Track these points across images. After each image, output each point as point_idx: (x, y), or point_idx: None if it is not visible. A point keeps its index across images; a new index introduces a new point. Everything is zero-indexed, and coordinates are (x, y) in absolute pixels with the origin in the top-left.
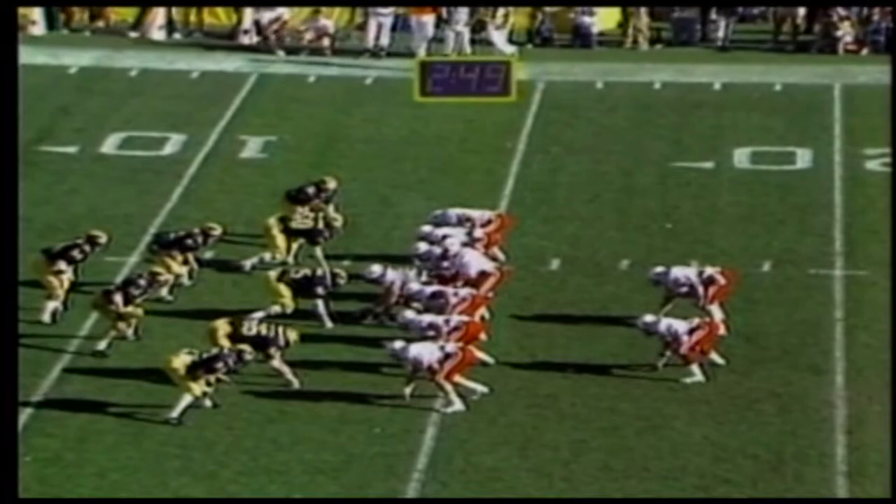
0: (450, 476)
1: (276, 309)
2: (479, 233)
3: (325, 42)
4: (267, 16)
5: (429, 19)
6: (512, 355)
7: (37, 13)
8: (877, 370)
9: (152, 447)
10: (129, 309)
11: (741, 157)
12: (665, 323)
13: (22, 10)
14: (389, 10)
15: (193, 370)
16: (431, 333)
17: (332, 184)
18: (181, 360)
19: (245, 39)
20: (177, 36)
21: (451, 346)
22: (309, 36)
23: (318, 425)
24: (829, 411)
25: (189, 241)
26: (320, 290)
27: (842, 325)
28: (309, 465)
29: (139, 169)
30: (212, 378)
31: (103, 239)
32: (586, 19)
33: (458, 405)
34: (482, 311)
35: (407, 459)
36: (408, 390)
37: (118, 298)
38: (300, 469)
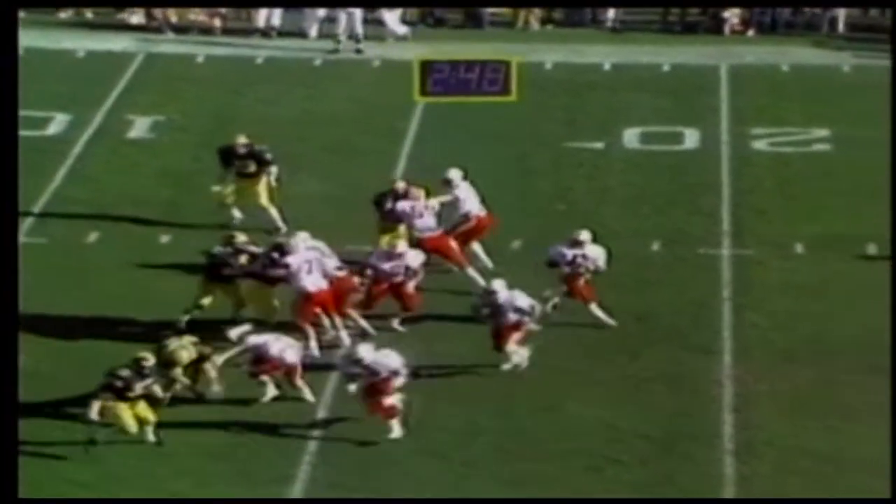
0: (342, 458)
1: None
2: None
3: (217, 22)
4: None
5: None
6: (406, 336)
7: None
8: (764, 349)
9: (31, 429)
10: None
11: (631, 137)
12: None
13: None
14: None
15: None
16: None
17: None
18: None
19: (133, 19)
20: (62, 15)
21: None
22: (198, 16)
23: (205, 408)
24: (717, 391)
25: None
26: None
27: (729, 305)
28: (196, 447)
29: (23, 148)
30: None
31: None
32: None
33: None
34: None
35: (297, 442)
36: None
37: None
38: (187, 451)
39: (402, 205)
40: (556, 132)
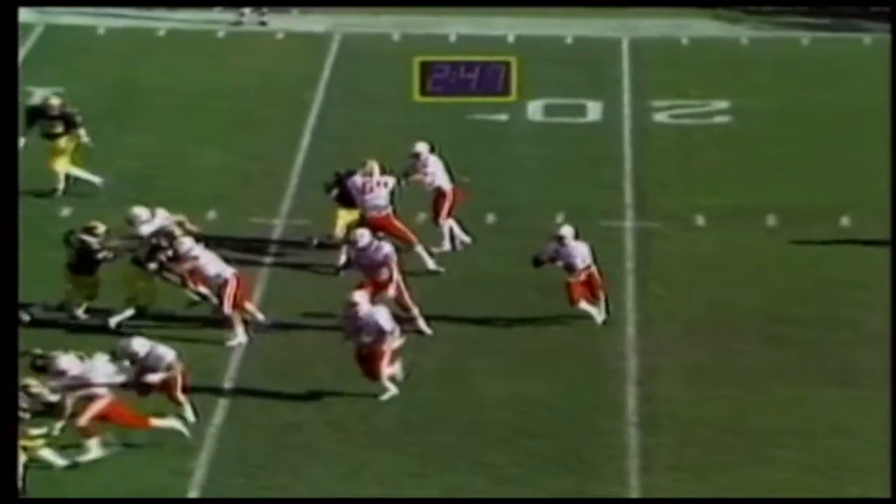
0: (247, 430)
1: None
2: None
3: None
4: None
5: None
6: (312, 309)
7: None
8: (667, 321)
9: None
10: None
11: (535, 109)
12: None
13: None
14: None
15: None
16: None
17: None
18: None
19: None
20: None
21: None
22: None
23: None
24: (621, 363)
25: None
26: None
27: (633, 277)
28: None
29: None
30: None
31: None
32: None
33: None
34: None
35: (202, 416)
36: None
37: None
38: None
39: (354, 179)
40: (458, 103)
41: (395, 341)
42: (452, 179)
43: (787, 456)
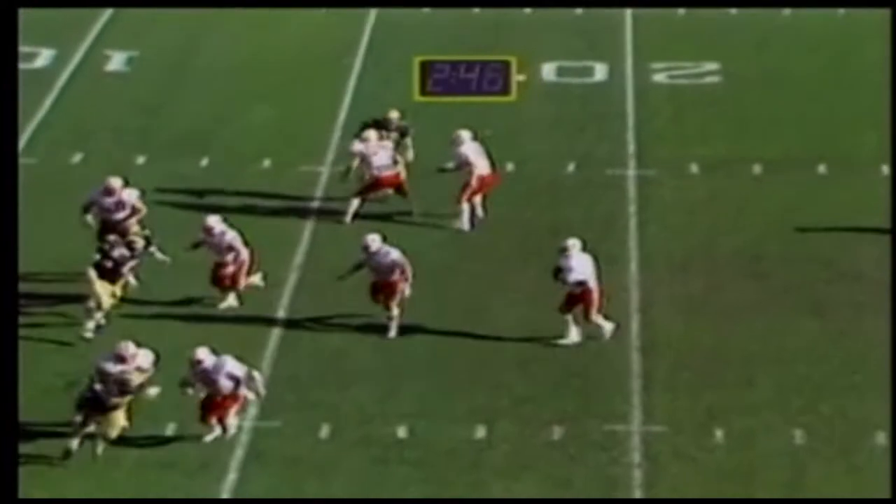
0: (299, 355)
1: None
2: None
3: None
4: None
5: None
6: (356, 247)
7: None
8: (665, 258)
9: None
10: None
11: (549, 71)
12: None
13: None
14: None
15: None
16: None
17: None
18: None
19: None
20: None
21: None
22: None
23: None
24: (623, 295)
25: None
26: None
27: (634, 220)
28: None
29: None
30: None
31: None
32: None
33: None
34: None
35: (257, 346)
36: None
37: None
38: None
39: (357, 146)
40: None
41: (251, 392)
42: (493, 165)
43: (768, 379)
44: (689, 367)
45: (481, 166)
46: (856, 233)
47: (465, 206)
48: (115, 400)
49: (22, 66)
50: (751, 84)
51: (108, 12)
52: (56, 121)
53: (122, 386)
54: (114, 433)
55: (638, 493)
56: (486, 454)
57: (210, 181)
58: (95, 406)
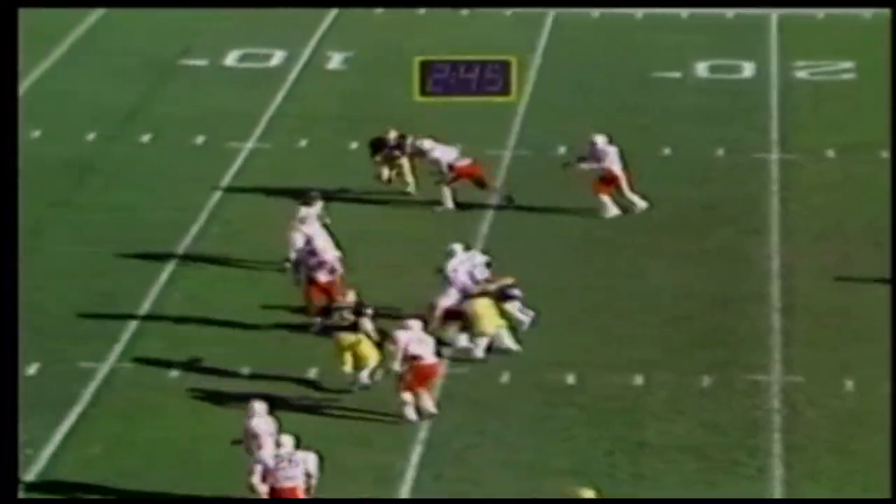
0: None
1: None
2: None
3: None
4: None
5: None
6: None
7: None
8: (804, 232)
9: None
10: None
11: (702, 68)
12: None
13: None
14: None
15: None
16: None
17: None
18: None
19: None
20: None
21: None
22: None
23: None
24: (766, 263)
25: None
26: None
27: (777, 197)
28: None
29: (248, 77)
30: None
31: None
32: None
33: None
34: None
35: None
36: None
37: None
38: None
39: (427, 145)
40: (638, 64)
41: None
42: (625, 165)
43: (887, 337)
44: (823, 325)
45: (618, 167)
46: None
47: (605, 197)
48: None
49: (259, 65)
50: (881, 80)
51: (330, 16)
52: (286, 112)
53: None
54: None
55: (777, 436)
56: (643, 399)
57: None
58: None
